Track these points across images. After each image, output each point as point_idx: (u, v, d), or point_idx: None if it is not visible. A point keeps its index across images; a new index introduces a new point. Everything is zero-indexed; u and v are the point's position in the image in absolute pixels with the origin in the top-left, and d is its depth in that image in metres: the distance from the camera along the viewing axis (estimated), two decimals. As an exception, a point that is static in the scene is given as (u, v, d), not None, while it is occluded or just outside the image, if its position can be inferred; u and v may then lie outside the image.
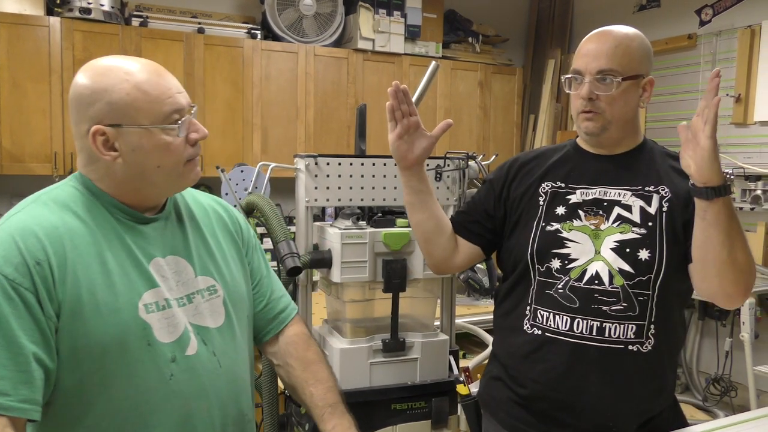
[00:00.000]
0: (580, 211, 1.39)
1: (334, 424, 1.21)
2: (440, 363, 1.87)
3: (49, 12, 3.86)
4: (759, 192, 3.83)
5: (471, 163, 1.98)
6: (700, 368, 3.99)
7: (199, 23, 4.21)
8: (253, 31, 4.34)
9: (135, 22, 4.02)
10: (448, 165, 1.97)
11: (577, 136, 1.49)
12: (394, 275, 1.77)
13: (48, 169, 3.85)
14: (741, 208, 3.89)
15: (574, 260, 1.36)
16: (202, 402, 1.09)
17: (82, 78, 1.04)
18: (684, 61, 4.38)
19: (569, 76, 1.39)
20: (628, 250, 1.33)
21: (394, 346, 1.80)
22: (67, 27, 3.83)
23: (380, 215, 1.90)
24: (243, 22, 4.45)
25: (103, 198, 1.07)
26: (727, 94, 4.10)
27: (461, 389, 1.69)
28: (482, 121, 5.09)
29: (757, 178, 3.85)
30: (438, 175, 2.01)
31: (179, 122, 1.03)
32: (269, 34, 4.42)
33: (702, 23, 4.30)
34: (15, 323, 0.92)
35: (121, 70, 1.02)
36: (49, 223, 1.00)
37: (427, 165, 2.04)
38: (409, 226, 1.96)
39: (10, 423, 0.91)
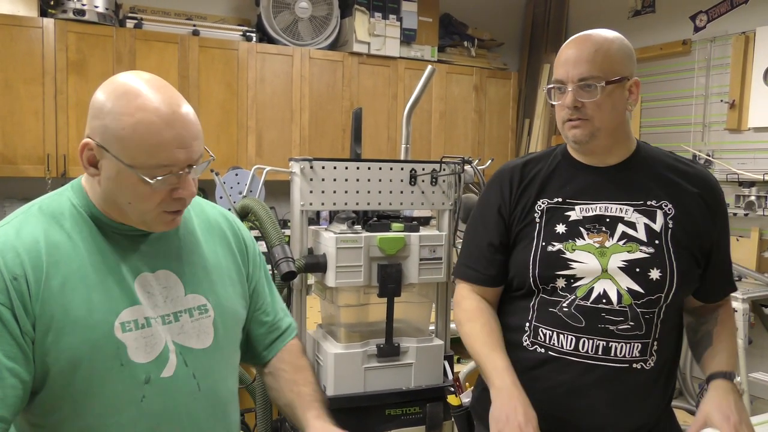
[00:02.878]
0: (582, 229, 1.34)
1: (317, 414, 1.20)
2: (435, 368, 1.86)
3: (43, 13, 3.84)
4: (753, 198, 3.84)
5: (467, 167, 1.98)
6: (693, 374, 3.99)
7: (194, 25, 4.20)
8: (248, 34, 4.33)
9: (129, 23, 4.01)
10: (444, 169, 1.96)
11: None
12: (389, 280, 1.76)
13: (40, 171, 3.83)
14: (735, 214, 3.90)
15: (580, 279, 1.32)
16: (174, 425, 1.06)
17: (102, 89, 1.02)
18: (678, 66, 4.40)
19: (551, 86, 1.35)
20: (638, 269, 1.30)
21: (389, 351, 1.79)
22: (60, 28, 3.81)
23: (375, 219, 1.90)
24: (238, 25, 4.44)
25: (93, 211, 1.05)
26: (722, 100, 4.11)
27: (452, 400, 1.67)
28: (477, 125, 5.10)
29: (751, 184, 3.86)
30: (434, 180, 2.00)
31: (159, 177, 0.97)
32: (264, 37, 4.41)
33: (696, 29, 4.32)
34: None
35: (136, 102, 0.97)
36: (31, 238, 0.99)
37: (423, 169, 2.03)
38: (404, 231, 1.95)
39: None
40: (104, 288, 1.01)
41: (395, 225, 1.87)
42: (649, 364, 1.32)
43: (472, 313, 1.41)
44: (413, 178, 1.95)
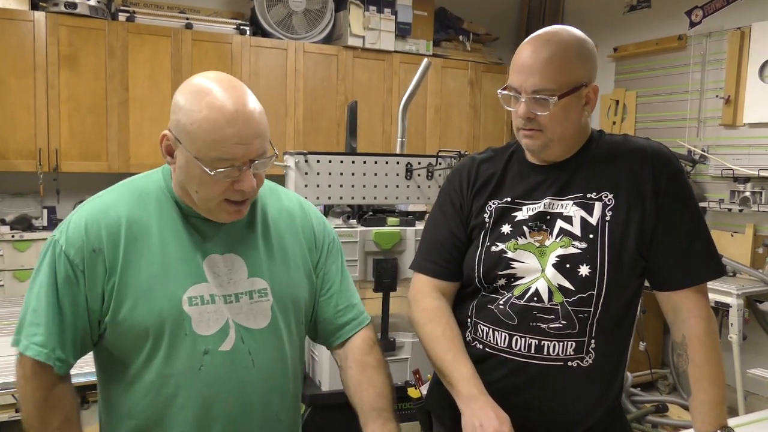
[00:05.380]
0: (525, 228, 1.32)
1: (374, 429, 1.23)
2: (430, 364, 1.84)
3: (34, 6, 3.79)
4: (748, 194, 3.84)
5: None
6: (688, 369, 4.00)
7: (187, 18, 4.16)
8: (241, 27, 4.30)
9: (122, 17, 3.97)
10: (440, 163, 1.95)
11: None
12: (384, 274, 1.75)
13: (32, 165, 3.79)
14: (729, 210, 3.90)
15: (520, 278, 1.30)
16: (228, 395, 1.16)
17: (182, 86, 1.13)
18: (674, 62, 4.39)
19: (505, 93, 1.30)
20: (568, 265, 1.27)
21: (385, 346, 1.78)
22: (52, 22, 3.76)
23: (371, 214, 1.88)
24: (231, 18, 4.40)
25: (174, 195, 1.18)
26: (717, 96, 4.11)
27: (412, 392, 1.64)
28: (472, 119, 5.08)
29: (746, 179, 3.86)
30: (429, 174, 1.99)
31: (220, 170, 1.08)
32: (258, 30, 4.38)
33: (692, 24, 4.31)
34: (66, 294, 1.11)
35: (206, 100, 1.07)
36: (115, 216, 1.14)
37: (419, 163, 2.02)
38: (400, 225, 1.94)
39: (41, 369, 1.11)
40: (176, 265, 1.14)
41: (391, 219, 1.86)
42: (587, 361, 1.29)
43: (432, 313, 1.37)
44: (409, 172, 1.93)
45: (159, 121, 4.09)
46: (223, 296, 1.16)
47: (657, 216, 1.29)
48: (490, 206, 1.37)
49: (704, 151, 4.13)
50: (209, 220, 1.17)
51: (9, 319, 2.59)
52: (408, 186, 1.94)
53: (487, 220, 1.36)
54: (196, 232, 1.17)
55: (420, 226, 1.90)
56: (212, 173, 1.07)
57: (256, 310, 1.19)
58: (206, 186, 1.10)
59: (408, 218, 1.98)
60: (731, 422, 1.31)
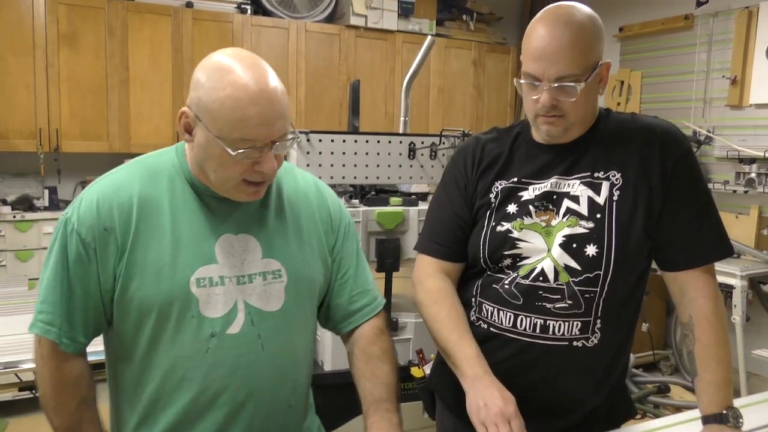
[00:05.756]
0: (531, 207, 1.30)
1: (374, 420, 1.20)
2: (433, 343, 1.84)
3: (33, -17, 3.75)
4: (753, 175, 3.81)
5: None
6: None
7: (188, -3, 4.12)
8: (243, 6, 4.25)
9: (121, -6, 3.93)
10: (444, 143, 1.93)
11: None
12: (387, 255, 1.74)
13: (32, 145, 3.77)
14: (734, 191, 3.88)
15: (526, 258, 1.29)
16: (235, 380, 1.13)
17: (202, 63, 1.10)
18: (680, 42, 4.34)
19: (523, 81, 1.25)
20: (574, 245, 1.25)
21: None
22: (51, 0, 3.72)
23: (374, 194, 1.87)
24: (233, -3, 4.36)
25: (189, 174, 1.15)
26: (723, 76, 4.06)
27: (415, 372, 1.63)
28: (475, 99, 5.04)
29: (752, 160, 3.83)
30: (433, 154, 1.97)
31: (241, 150, 1.05)
32: (259, 9, 4.33)
33: (699, 4, 4.25)
34: (77, 273, 1.09)
35: (228, 78, 1.05)
36: (126, 196, 1.11)
37: (422, 143, 1.99)
38: (402, 205, 1.92)
39: (53, 349, 1.10)
40: (186, 244, 1.11)
41: (394, 199, 1.84)
42: (592, 341, 1.28)
43: (436, 294, 1.36)
44: (412, 152, 1.91)
45: (160, 101, 4.06)
46: (235, 277, 1.14)
47: (665, 196, 1.27)
48: (497, 186, 1.35)
49: (710, 132, 4.10)
50: (224, 199, 1.14)
51: (10, 299, 2.59)
52: (411, 166, 1.92)
53: (493, 200, 1.34)
54: (209, 212, 1.15)
55: (423, 206, 1.89)
56: (234, 153, 1.04)
57: (270, 292, 1.16)
58: (226, 166, 1.07)
59: (411, 198, 1.96)
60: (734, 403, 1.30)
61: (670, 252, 1.31)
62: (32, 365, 2.05)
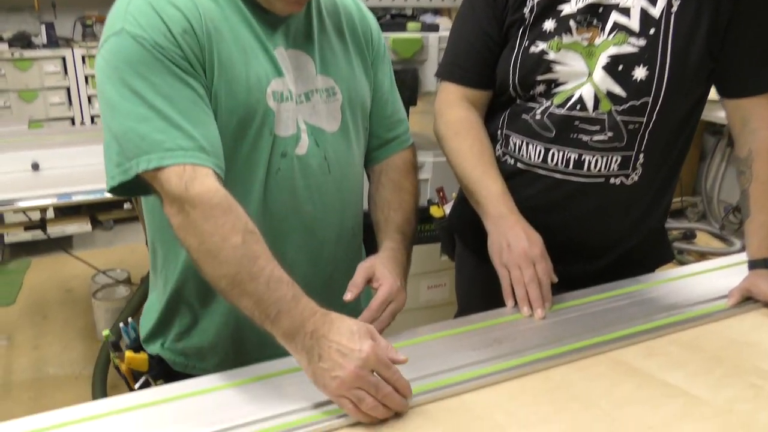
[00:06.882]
0: (572, 23, 1.12)
1: (390, 245, 1.14)
2: (455, 183, 1.73)
3: None
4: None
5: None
6: (720, 197, 3.88)
7: None
8: None
9: None
10: None
11: None
12: (403, 87, 1.58)
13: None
14: None
15: (562, 83, 1.13)
16: (304, 204, 1.07)
17: None
18: None
19: None
20: (621, 67, 1.10)
21: (403, 167, 1.65)
22: None
23: (389, 17, 1.67)
24: None
25: None
26: None
27: (435, 211, 1.55)
28: None
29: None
30: None
31: None
32: None
33: None
34: (183, 87, 0.92)
35: None
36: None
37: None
38: (421, 30, 1.71)
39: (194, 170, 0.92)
40: (255, 55, 1.01)
41: (411, 24, 1.65)
42: (632, 179, 1.16)
43: (459, 125, 1.23)
44: (433, -33, 1.67)
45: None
46: (298, 94, 1.04)
47: (734, 9, 1.08)
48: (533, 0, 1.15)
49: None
50: (267, 12, 1.03)
51: (14, 137, 2.50)
52: (432, -15, 1.69)
53: (527, 15, 1.16)
54: (262, 24, 1.03)
55: (444, 32, 1.68)
56: None
57: (328, 111, 1.08)
58: None
59: (431, 24, 1.75)
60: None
61: (733, 75, 1.14)
62: (43, 201, 2.00)
